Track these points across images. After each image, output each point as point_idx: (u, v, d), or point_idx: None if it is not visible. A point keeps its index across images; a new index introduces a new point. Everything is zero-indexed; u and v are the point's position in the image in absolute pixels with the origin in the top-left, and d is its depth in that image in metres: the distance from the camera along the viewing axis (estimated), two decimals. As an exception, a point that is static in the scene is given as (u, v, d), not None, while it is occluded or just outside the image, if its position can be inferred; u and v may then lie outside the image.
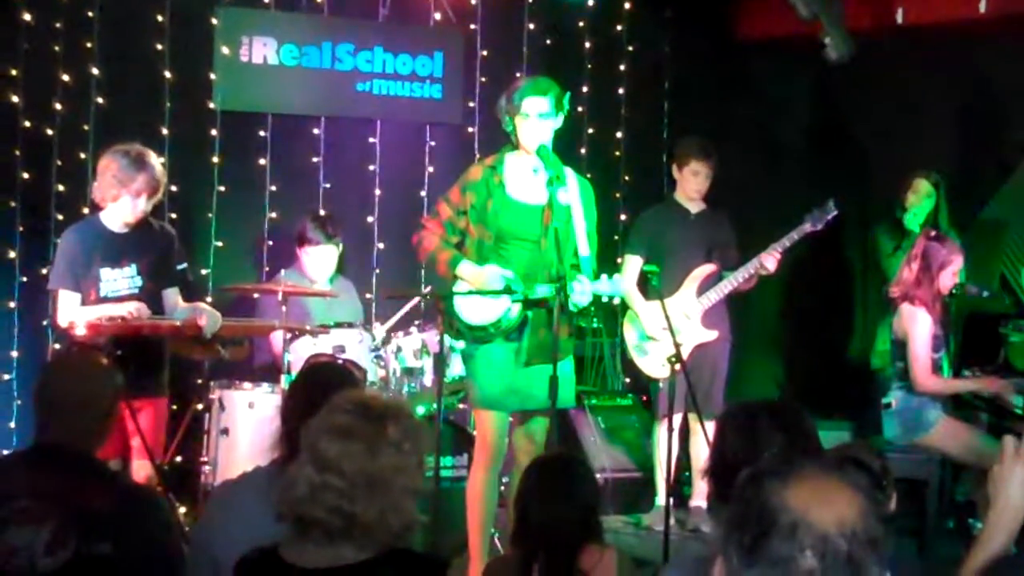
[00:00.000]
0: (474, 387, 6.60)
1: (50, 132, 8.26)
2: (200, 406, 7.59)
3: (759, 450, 3.50)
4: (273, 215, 8.94)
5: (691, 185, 8.33)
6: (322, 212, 8.60)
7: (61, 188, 8.25)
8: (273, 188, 8.93)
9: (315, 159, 9.11)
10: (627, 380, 9.62)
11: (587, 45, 9.99)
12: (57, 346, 7.72)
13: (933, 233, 7.56)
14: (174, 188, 8.05)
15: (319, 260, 8.16)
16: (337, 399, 3.25)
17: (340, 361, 6.45)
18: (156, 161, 6.67)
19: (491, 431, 6.55)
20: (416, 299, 8.17)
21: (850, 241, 9.94)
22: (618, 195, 10.04)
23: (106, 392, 4.34)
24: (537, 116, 6.46)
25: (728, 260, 8.29)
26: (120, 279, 6.69)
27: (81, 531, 3.65)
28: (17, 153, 8.21)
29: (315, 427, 3.17)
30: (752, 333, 9.73)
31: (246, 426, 7.02)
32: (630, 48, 10.17)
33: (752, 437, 3.59)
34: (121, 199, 6.57)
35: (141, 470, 6.48)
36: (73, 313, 6.51)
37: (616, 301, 8.91)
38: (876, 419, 7.57)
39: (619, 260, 8.45)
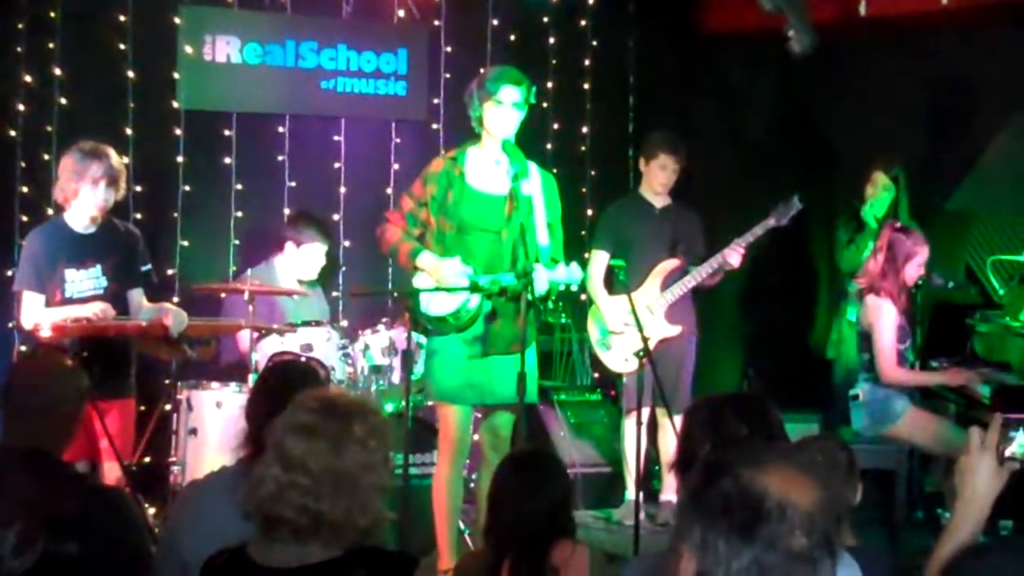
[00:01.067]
0: (431, 381, 6.63)
1: (13, 133, 8.23)
2: (168, 406, 7.57)
3: (725, 443, 3.50)
4: (239, 214, 8.91)
5: (658, 179, 8.33)
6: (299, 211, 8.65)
7: (25, 190, 8.20)
8: (239, 187, 8.90)
9: (280, 157, 9.08)
10: (595, 375, 9.60)
11: (551, 40, 9.98)
12: (23, 348, 7.67)
13: (898, 225, 7.59)
14: (139, 188, 8.03)
15: (313, 257, 8.24)
16: (302, 398, 3.24)
17: (303, 359, 6.44)
18: (112, 153, 6.66)
19: (453, 425, 6.56)
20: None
21: (815, 234, 9.96)
22: (584, 190, 10.04)
23: (71, 394, 4.33)
24: (511, 105, 6.49)
25: (694, 256, 8.29)
26: (85, 280, 6.67)
27: (48, 532, 3.63)
28: (-21, 155, 8.17)
29: (280, 426, 3.16)
30: (720, 327, 9.76)
31: (214, 426, 6.98)
32: (594, 43, 10.17)
33: (717, 430, 3.59)
34: (81, 191, 6.56)
35: (110, 472, 6.46)
36: (38, 315, 6.49)
37: (584, 296, 8.90)
38: (844, 411, 7.60)
39: (586, 255, 8.43)
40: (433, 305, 6.49)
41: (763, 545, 2.15)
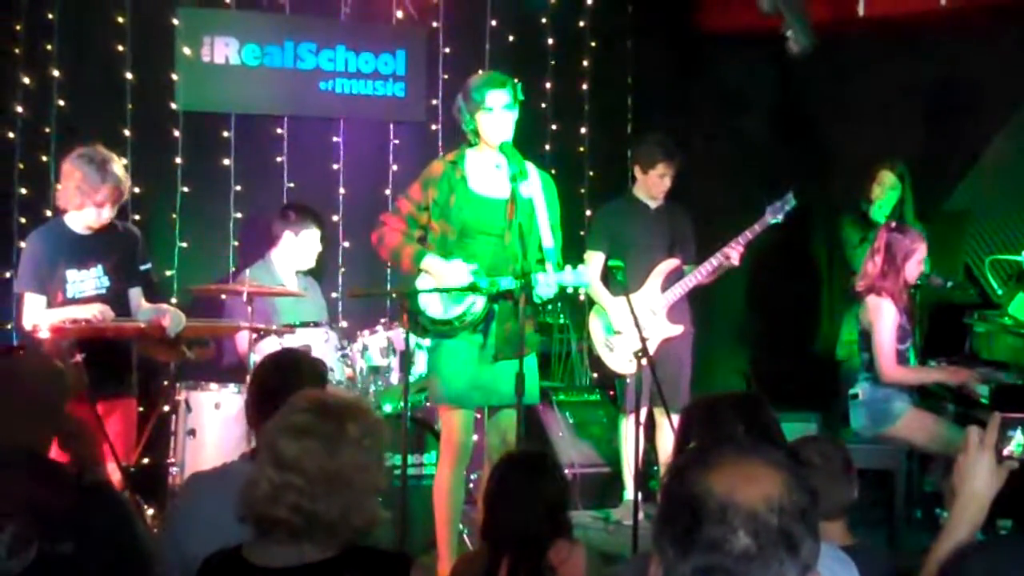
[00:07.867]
0: (438, 383, 6.57)
1: (11, 135, 8.22)
2: (166, 408, 7.57)
3: (721, 442, 3.50)
4: (238, 215, 8.92)
5: (658, 188, 8.31)
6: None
7: (23, 191, 8.19)
8: (238, 188, 8.90)
9: (279, 159, 9.08)
10: (594, 375, 9.61)
11: (550, 41, 9.99)
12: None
13: (894, 224, 7.58)
14: (137, 190, 8.01)
15: (308, 244, 8.25)
16: (295, 398, 3.24)
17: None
18: (119, 167, 6.67)
19: (457, 428, 6.52)
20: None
21: (814, 232, 9.97)
22: (582, 190, 10.06)
23: (54, 393, 4.30)
24: (502, 108, 6.47)
25: (688, 255, 8.31)
26: (87, 280, 6.70)
27: (42, 532, 3.62)
28: (-22, 157, 8.17)
29: (273, 427, 3.16)
30: (718, 326, 9.76)
31: (213, 427, 7.00)
32: (592, 44, 10.19)
33: (713, 429, 3.59)
34: (85, 208, 6.59)
35: (111, 473, 6.46)
36: (37, 316, 6.50)
37: (583, 297, 8.90)
38: (843, 410, 7.59)
39: (585, 257, 8.41)
40: (437, 309, 6.48)
41: (705, 548, 2.15)
